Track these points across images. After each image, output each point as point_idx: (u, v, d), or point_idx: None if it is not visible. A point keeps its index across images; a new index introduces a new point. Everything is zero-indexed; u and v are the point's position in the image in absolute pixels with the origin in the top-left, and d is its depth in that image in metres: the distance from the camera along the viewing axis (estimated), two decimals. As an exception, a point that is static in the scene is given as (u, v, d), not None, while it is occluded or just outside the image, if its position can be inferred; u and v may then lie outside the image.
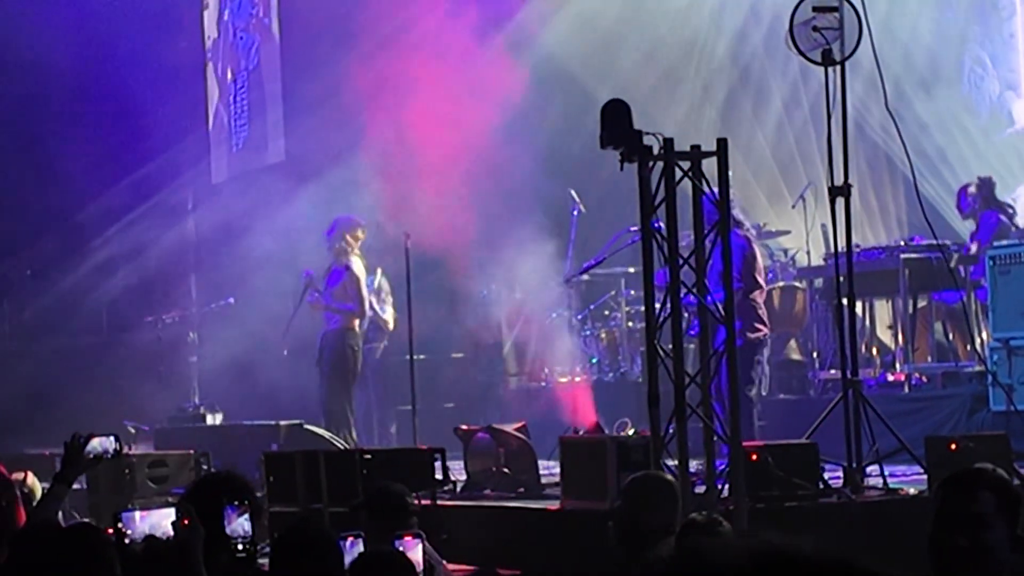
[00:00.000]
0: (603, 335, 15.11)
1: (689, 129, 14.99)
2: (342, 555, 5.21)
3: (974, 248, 13.15)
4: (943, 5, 16.24)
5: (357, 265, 13.72)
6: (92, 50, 19.11)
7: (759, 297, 11.59)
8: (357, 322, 13.79)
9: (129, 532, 4.95)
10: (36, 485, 9.18)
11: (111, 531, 5.13)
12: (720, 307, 8.76)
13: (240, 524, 5.10)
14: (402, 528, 6.39)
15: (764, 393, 12.87)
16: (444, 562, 7.55)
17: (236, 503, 5.04)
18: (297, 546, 5.23)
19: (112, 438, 6.63)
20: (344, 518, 7.65)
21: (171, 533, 4.89)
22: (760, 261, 11.77)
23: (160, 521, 4.97)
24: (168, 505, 5.23)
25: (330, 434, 13.11)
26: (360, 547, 5.64)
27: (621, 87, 15.46)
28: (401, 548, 5.83)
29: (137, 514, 5.03)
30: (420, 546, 5.95)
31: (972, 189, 13.61)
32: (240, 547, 5.12)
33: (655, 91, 16.27)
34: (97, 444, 6.54)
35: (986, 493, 4.18)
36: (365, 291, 13.76)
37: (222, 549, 4.98)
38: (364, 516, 7.20)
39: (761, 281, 11.63)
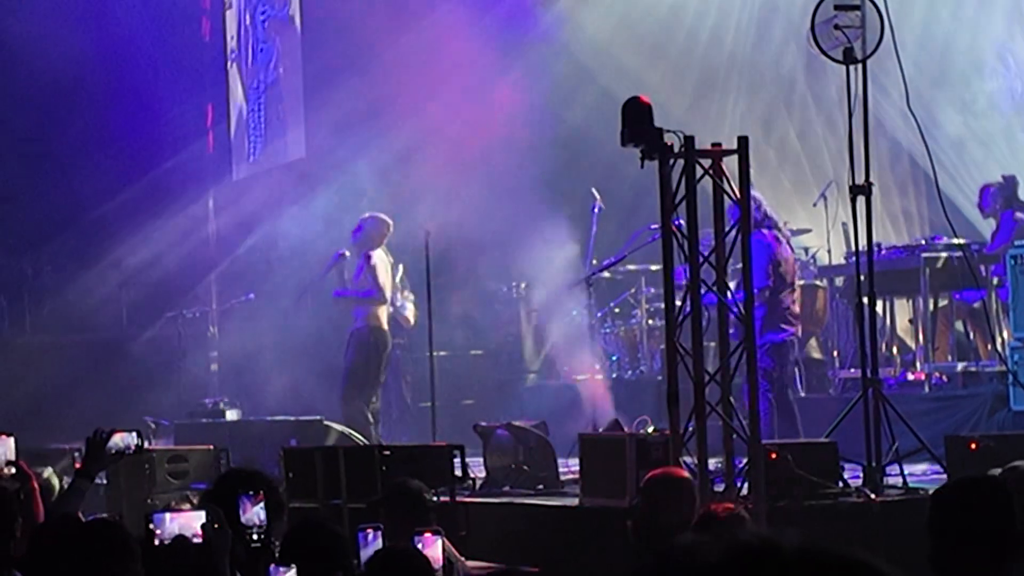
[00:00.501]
0: (623, 333, 15.10)
1: (721, 127, 14.98)
2: (352, 551, 5.20)
3: (994, 248, 13.12)
4: (968, 3, 16.20)
5: (378, 254, 13.70)
6: (113, 46, 19.16)
7: (787, 298, 11.57)
8: (384, 317, 13.71)
9: (159, 532, 4.99)
10: (55, 480, 9.23)
11: (116, 519, 5.17)
12: (740, 306, 8.76)
13: (255, 514, 5.13)
14: (420, 524, 6.39)
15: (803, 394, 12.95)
16: (463, 559, 7.55)
17: (251, 492, 5.07)
18: (307, 543, 5.23)
19: (134, 434, 6.69)
20: (362, 514, 7.66)
21: (200, 535, 4.93)
22: (789, 262, 11.72)
23: (190, 523, 5.01)
24: (198, 507, 5.28)
25: (350, 430, 13.13)
26: (379, 540, 5.65)
27: (645, 84, 15.48)
28: (421, 545, 5.83)
29: (167, 515, 5.08)
30: (440, 543, 5.95)
31: (994, 188, 13.59)
32: (255, 537, 5.15)
33: (684, 90, 16.28)
34: (119, 440, 6.59)
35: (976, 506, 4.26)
36: (385, 278, 13.69)
37: (238, 541, 5.02)
38: (382, 512, 7.21)
39: (789, 281, 11.60)
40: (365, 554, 5.60)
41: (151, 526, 5.00)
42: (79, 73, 19.02)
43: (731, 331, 9.08)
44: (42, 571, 5.05)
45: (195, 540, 4.94)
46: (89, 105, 19.27)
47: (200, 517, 5.00)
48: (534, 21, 16.64)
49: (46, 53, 18.80)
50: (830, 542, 2.06)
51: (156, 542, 4.97)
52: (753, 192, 10.08)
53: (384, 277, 13.66)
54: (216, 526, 4.94)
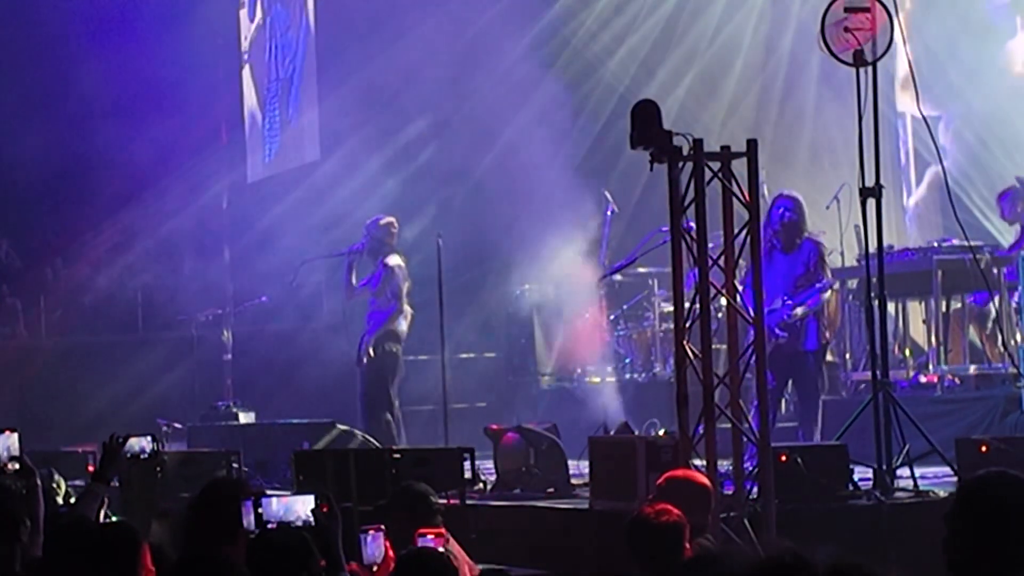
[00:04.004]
0: (635, 335, 15.09)
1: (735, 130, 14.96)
2: (317, 561, 5.18)
3: (1013, 250, 13.11)
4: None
5: (394, 260, 13.59)
6: (128, 46, 19.21)
7: None
8: (399, 322, 13.63)
9: (267, 517, 5.08)
10: (61, 482, 9.28)
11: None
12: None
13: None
14: (426, 527, 6.41)
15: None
16: (471, 561, 7.56)
17: (251, 498, 5.12)
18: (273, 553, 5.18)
19: (149, 438, 6.76)
20: (371, 517, 7.68)
21: (305, 519, 5.03)
22: None
23: (296, 507, 5.12)
24: (303, 493, 5.40)
25: (362, 433, 13.13)
26: (380, 541, 5.67)
27: (658, 87, 15.49)
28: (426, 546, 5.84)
29: (275, 500, 5.18)
30: (443, 544, 5.97)
31: (1012, 192, 13.58)
32: None
33: (694, 92, 16.27)
34: (135, 444, 6.67)
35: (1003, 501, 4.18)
36: (404, 288, 13.61)
37: (240, 543, 5.06)
38: (389, 515, 7.22)
39: None
40: (366, 554, 5.63)
41: (260, 511, 5.09)
42: (92, 76, 19.08)
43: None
44: (56, 573, 5.09)
45: (299, 523, 5.04)
46: (106, 107, 19.32)
47: (308, 501, 5.10)
48: (550, 26, 16.63)
49: (59, 57, 18.88)
50: (859, 558, 2.06)
51: (267, 526, 5.07)
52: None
53: (403, 286, 13.55)
54: (325, 509, 5.05)
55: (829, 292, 11.78)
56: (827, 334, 11.83)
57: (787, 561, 2.02)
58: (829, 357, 14.00)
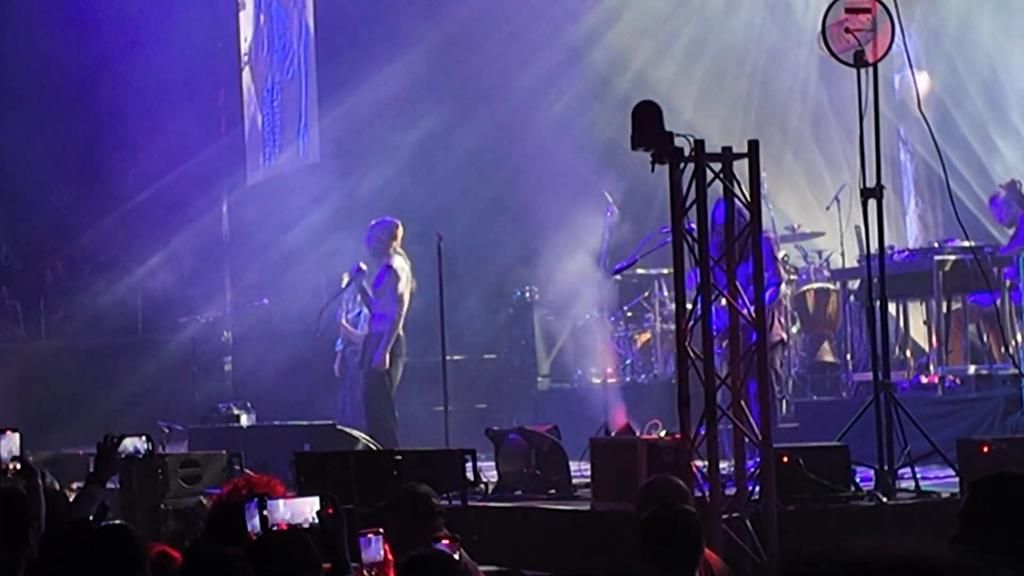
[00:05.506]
0: (637, 336, 15.08)
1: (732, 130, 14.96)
2: (319, 562, 5.16)
3: (1009, 249, 13.10)
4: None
5: (397, 262, 13.57)
6: (128, 51, 19.21)
7: None
8: (400, 324, 13.58)
9: (272, 519, 5.07)
10: (54, 483, 9.25)
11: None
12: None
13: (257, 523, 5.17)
14: (427, 529, 6.39)
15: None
16: (472, 563, 7.54)
17: (255, 500, 5.11)
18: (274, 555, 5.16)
19: (144, 438, 6.73)
20: (371, 519, 7.67)
21: (312, 520, 5.03)
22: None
23: (302, 509, 5.11)
24: (310, 495, 5.40)
25: (362, 435, 13.11)
26: (379, 545, 5.66)
27: (657, 88, 15.48)
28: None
29: (281, 502, 5.17)
30: (458, 550, 5.95)
31: (1003, 196, 13.57)
32: None
33: (694, 94, 16.27)
34: (129, 444, 6.64)
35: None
36: (405, 288, 13.57)
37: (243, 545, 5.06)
38: (390, 517, 7.20)
39: None
40: (366, 557, 5.61)
41: (265, 512, 5.08)
42: (93, 79, 19.07)
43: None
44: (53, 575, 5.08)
45: (306, 525, 5.04)
46: (106, 108, 19.33)
47: (314, 503, 5.10)
48: (551, 26, 16.62)
49: (60, 60, 18.87)
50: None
51: (271, 528, 5.06)
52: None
53: (404, 287, 13.51)
54: (330, 511, 5.05)
55: (784, 287, 11.86)
56: (782, 332, 11.79)
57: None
58: (829, 358, 14.02)
